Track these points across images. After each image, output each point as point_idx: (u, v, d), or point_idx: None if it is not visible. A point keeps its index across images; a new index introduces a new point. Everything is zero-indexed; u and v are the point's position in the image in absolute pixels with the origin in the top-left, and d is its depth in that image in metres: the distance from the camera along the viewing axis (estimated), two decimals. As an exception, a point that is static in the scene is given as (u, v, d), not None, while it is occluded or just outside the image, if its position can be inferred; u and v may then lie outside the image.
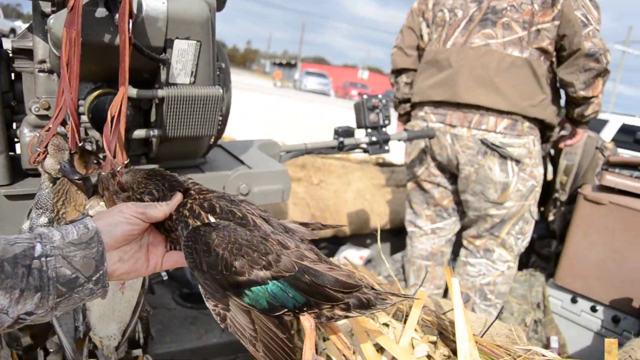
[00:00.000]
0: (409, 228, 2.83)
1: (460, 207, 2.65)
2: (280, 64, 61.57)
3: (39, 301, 0.69)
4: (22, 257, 0.68)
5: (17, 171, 1.36)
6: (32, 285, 0.68)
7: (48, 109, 1.34)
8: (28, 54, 1.31)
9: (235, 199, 0.89)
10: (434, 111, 2.47)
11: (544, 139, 2.49)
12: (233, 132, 4.75)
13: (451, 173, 2.56)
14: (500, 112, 2.27)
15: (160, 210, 0.86)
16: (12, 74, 1.33)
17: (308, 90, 33.19)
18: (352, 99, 31.85)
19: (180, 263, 0.90)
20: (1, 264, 0.66)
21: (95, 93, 1.30)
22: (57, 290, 0.71)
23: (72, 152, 1.08)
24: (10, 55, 1.32)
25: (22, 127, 1.32)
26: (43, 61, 1.27)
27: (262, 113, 13.56)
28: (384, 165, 3.76)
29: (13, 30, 15.78)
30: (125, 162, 1.09)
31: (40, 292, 0.69)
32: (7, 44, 1.34)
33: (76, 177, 1.03)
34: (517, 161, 2.31)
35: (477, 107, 2.31)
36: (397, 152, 3.00)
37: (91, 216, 0.80)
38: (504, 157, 2.30)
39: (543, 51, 2.22)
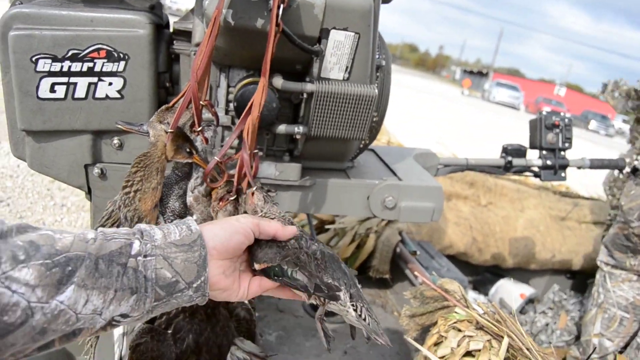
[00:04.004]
0: (605, 268, 2.31)
1: None
2: (471, 72, 59.25)
3: (134, 303, 0.63)
4: (117, 254, 0.63)
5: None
6: (127, 286, 0.62)
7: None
8: (187, 35, 1.31)
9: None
10: None
11: None
12: (402, 135, 4.61)
13: None
14: None
15: (273, 227, 0.81)
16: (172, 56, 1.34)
17: (496, 102, 31.41)
18: (544, 116, 29.32)
19: (262, 287, 0.83)
20: (96, 261, 0.61)
21: (244, 81, 1.26)
22: (155, 293, 0.65)
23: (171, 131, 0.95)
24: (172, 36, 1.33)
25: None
26: (199, 44, 1.25)
27: (439, 120, 13.16)
28: (566, 195, 3.25)
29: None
30: (256, 153, 1.02)
31: (137, 294, 0.63)
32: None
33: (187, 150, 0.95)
34: None
35: None
36: (584, 182, 2.54)
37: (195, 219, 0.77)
38: None
39: None
